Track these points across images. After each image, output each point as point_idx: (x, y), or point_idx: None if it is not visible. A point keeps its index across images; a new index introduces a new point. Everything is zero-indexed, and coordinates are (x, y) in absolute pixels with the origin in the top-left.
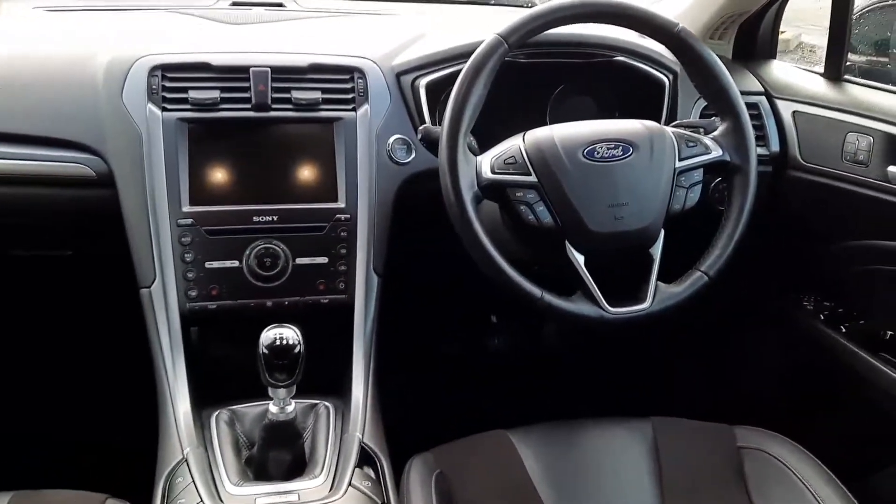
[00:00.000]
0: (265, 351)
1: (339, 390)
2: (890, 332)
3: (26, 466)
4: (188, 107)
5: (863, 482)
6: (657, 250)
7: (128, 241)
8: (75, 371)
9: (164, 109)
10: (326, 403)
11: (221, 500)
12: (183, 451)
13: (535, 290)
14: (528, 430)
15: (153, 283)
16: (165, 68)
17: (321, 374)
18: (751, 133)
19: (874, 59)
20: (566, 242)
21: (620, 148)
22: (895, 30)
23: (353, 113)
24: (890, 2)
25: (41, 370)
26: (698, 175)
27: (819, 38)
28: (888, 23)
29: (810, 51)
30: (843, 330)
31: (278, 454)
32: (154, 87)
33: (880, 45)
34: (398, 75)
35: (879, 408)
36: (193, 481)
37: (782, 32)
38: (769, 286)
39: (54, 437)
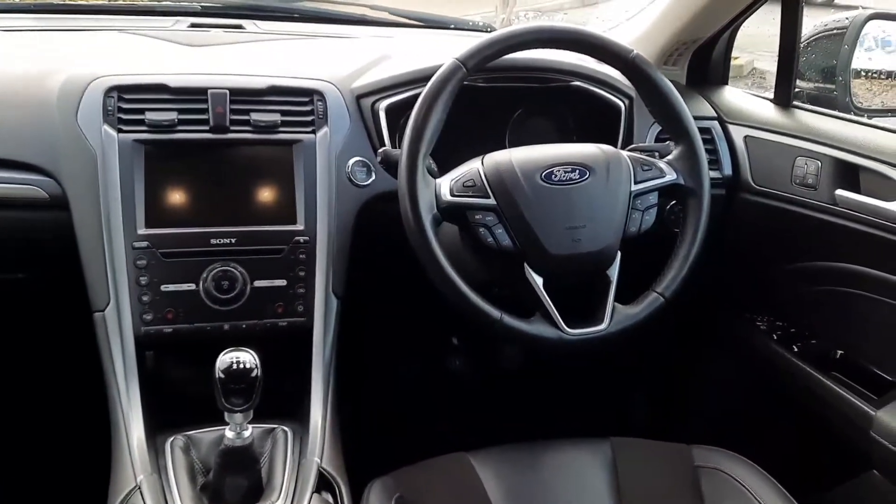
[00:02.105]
0: (221, 375)
1: (297, 414)
2: (840, 352)
3: None
4: (144, 128)
5: (816, 499)
6: (614, 272)
7: (81, 264)
8: (26, 395)
9: (120, 131)
10: (284, 428)
11: None
12: (136, 478)
13: (495, 312)
14: (487, 452)
15: (107, 306)
16: (122, 89)
17: (279, 399)
18: (703, 157)
19: (821, 85)
20: (525, 264)
21: (577, 171)
22: (840, 57)
23: (312, 135)
24: (835, 31)
25: None
26: (653, 198)
27: (771, 65)
28: (834, 51)
29: (761, 77)
30: (796, 349)
31: (234, 480)
32: (110, 108)
33: (827, 71)
34: (358, 98)
35: (831, 426)
36: None
37: (735, 58)
38: (724, 307)
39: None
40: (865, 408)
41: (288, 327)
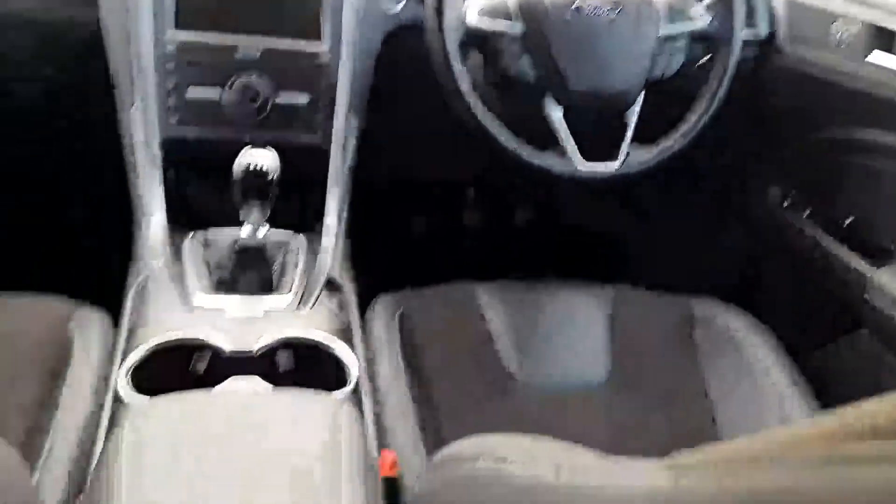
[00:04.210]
0: (240, 173)
1: (311, 228)
2: (850, 218)
3: None
4: None
5: (812, 355)
6: (633, 114)
7: (108, 63)
8: (55, 186)
9: None
10: (298, 237)
11: (191, 307)
12: (155, 262)
13: (510, 141)
14: (493, 284)
15: (133, 107)
16: None
17: (295, 213)
18: (741, 9)
19: None
20: (545, 97)
21: (609, 7)
22: None
23: None
24: None
25: (21, 183)
26: (682, 44)
27: None
28: None
29: None
30: (806, 214)
31: (248, 276)
32: None
33: None
34: None
35: (830, 286)
36: (163, 287)
37: None
38: (738, 170)
39: (27, 241)
40: (863, 270)
41: (307, 144)
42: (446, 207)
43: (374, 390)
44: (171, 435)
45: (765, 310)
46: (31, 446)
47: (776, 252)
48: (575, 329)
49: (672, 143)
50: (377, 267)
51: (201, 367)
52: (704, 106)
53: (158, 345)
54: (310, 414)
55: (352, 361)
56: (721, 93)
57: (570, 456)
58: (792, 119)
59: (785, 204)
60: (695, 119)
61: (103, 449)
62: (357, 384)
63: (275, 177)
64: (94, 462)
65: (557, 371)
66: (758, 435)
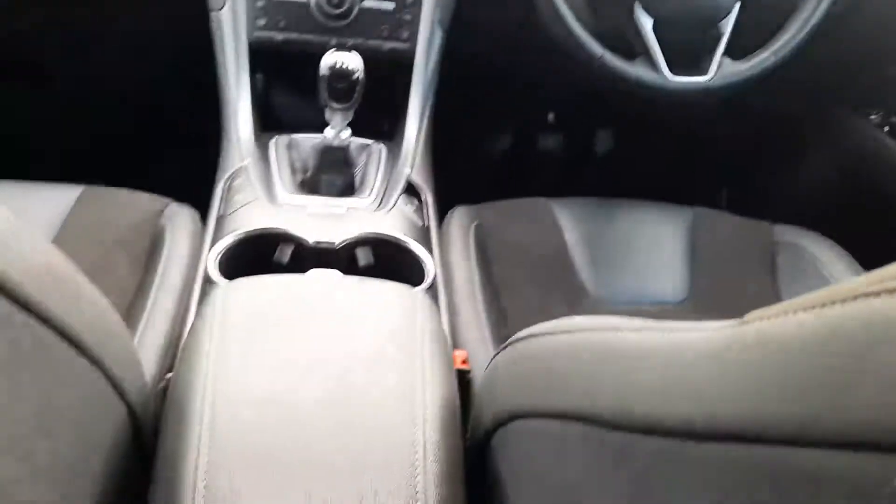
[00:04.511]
0: (326, 72)
1: (393, 136)
2: None
3: (96, 164)
4: None
5: None
6: (728, 24)
7: None
8: (148, 86)
9: None
10: (380, 144)
11: (276, 201)
12: (243, 160)
13: (597, 49)
14: (570, 200)
15: (223, 7)
16: None
17: (378, 122)
18: None
19: None
20: (635, 4)
21: None
22: None
23: None
24: None
25: (117, 82)
26: None
27: None
28: None
29: None
30: None
31: (331, 177)
32: None
33: None
34: None
35: None
36: (251, 182)
37: None
38: (833, 94)
39: (124, 141)
40: None
41: (391, 52)
42: (526, 126)
43: (449, 293)
44: (255, 313)
45: (851, 238)
46: (128, 323)
47: (868, 179)
48: (653, 247)
49: (769, 56)
50: (455, 180)
51: (285, 257)
52: (805, 17)
53: (245, 233)
54: (389, 301)
55: (429, 260)
56: (825, 6)
57: (642, 322)
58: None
59: (886, 129)
60: (793, 32)
61: (192, 327)
62: (434, 281)
63: (359, 77)
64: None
65: (632, 288)
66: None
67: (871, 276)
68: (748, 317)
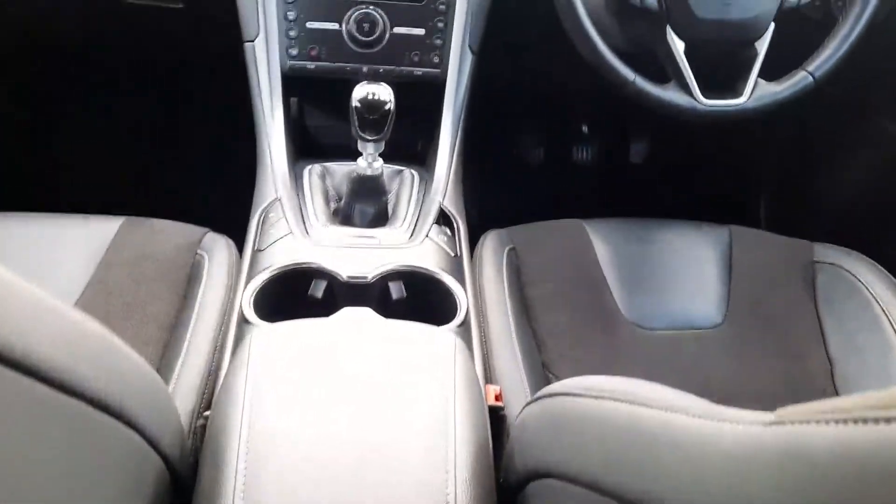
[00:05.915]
0: (357, 104)
1: (425, 162)
2: None
3: (134, 197)
4: None
5: None
6: (763, 44)
7: None
8: (182, 117)
9: None
10: (412, 170)
11: (309, 234)
12: (277, 192)
13: (629, 74)
14: (603, 221)
15: (256, 37)
16: None
17: (409, 146)
18: None
19: None
20: (668, 27)
21: None
22: None
23: None
24: None
25: (152, 114)
26: None
27: None
28: None
29: None
30: None
31: (364, 206)
32: None
33: None
34: None
35: None
36: (285, 216)
37: None
38: (872, 105)
39: (161, 174)
40: None
41: (422, 77)
42: (559, 144)
43: (482, 324)
44: (289, 359)
45: (893, 258)
46: (166, 360)
47: None
48: (688, 268)
49: (806, 76)
50: (488, 202)
51: (319, 292)
52: (845, 34)
53: (279, 270)
54: (420, 345)
55: (461, 294)
56: (864, 22)
57: (673, 397)
58: None
59: None
60: (832, 49)
61: (228, 370)
62: (466, 316)
63: (390, 108)
64: (222, 378)
65: (668, 311)
66: (882, 391)
67: None
68: (781, 414)
